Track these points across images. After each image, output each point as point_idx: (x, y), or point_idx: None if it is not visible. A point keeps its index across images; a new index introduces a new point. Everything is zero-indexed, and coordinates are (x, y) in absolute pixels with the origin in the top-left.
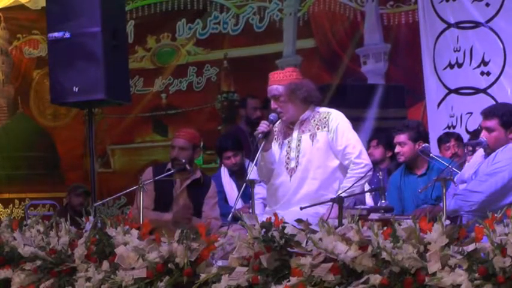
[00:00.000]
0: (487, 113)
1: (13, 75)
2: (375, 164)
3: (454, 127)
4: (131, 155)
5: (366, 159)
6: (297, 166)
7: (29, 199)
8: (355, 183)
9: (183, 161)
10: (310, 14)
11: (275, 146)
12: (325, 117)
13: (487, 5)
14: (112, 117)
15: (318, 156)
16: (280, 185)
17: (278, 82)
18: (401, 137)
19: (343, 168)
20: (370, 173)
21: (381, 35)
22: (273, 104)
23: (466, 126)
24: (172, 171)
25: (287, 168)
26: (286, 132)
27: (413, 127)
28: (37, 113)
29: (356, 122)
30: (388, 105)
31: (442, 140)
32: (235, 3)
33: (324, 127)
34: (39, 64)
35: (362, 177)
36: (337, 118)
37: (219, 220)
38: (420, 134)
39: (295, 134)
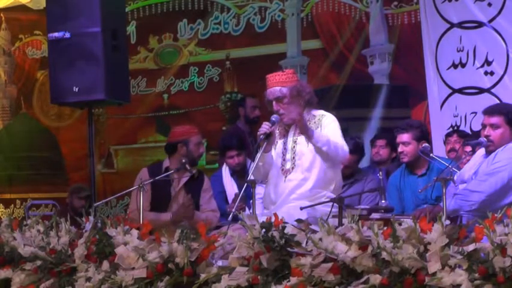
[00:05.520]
0: (491, 111)
1: (16, 76)
2: (381, 164)
3: (458, 127)
4: (134, 155)
5: (346, 150)
6: (293, 168)
7: (31, 199)
8: (326, 140)
9: (183, 160)
10: (313, 14)
11: None
12: (319, 119)
13: (489, 4)
14: (115, 118)
15: (314, 158)
16: (275, 186)
17: (281, 84)
18: (404, 137)
19: (339, 168)
20: (343, 154)
21: (386, 35)
22: (276, 106)
23: (470, 125)
24: (171, 170)
25: (282, 169)
26: (281, 134)
27: (417, 126)
28: (41, 114)
29: (361, 122)
30: (392, 105)
31: (447, 136)
32: (236, 4)
33: (317, 127)
34: (43, 64)
35: (334, 148)
36: (330, 119)
37: (217, 212)
38: (423, 134)
39: (290, 135)
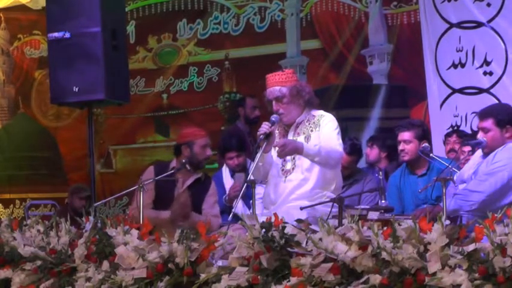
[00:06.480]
0: (482, 114)
1: (14, 76)
2: (371, 164)
3: (458, 127)
4: (133, 155)
5: (340, 151)
6: (293, 168)
7: (30, 199)
8: (316, 151)
9: (184, 160)
10: (313, 14)
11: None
12: (318, 120)
13: (488, 5)
14: (114, 118)
15: None
16: (275, 186)
17: (281, 83)
18: (406, 135)
19: (339, 169)
20: (336, 157)
21: (386, 35)
22: (275, 106)
23: (471, 125)
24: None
25: (282, 169)
26: (281, 134)
27: (418, 125)
28: (39, 114)
29: (360, 122)
30: (391, 105)
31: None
32: (236, 4)
33: (316, 128)
34: (41, 64)
35: (326, 155)
36: (328, 119)
37: (218, 218)
38: (425, 133)
39: (290, 136)
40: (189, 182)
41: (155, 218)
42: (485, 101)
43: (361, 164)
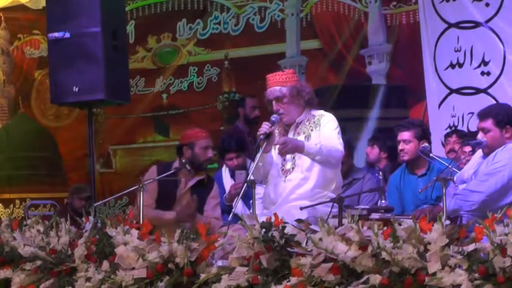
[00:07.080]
0: (482, 114)
1: (14, 76)
2: (371, 164)
3: (456, 127)
4: (133, 155)
5: (340, 149)
6: (293, 168)
7: (30, 199)
8: (317, 149)
9: (183, 161)
10: (313, 14)
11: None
12: (318, 119)
13: (487, 5)
14: (114, 118)
15: None
16: (275, 186)
17: (281, 83)
18: (406, 135)
19: (339, 168)
20: (337, 156)
21: (385, 35)
22: (275, 106)
23: (468, 126)
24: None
25: (282, 169)
26: (281, 134)
27: (418, 125)
28: (39, 113)
29: (359, 122)
30: (390, 105)
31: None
32: (236, 3)
33: (316, 127)
34: (41, 64)
35: (327, 153)
36: (328, 118)
37: (219, 220)
38: (425, 133)
39: (290, 136)
40: (191, 183)
41: (158, 218)
42: (482, 101)
43: (361, 163)
